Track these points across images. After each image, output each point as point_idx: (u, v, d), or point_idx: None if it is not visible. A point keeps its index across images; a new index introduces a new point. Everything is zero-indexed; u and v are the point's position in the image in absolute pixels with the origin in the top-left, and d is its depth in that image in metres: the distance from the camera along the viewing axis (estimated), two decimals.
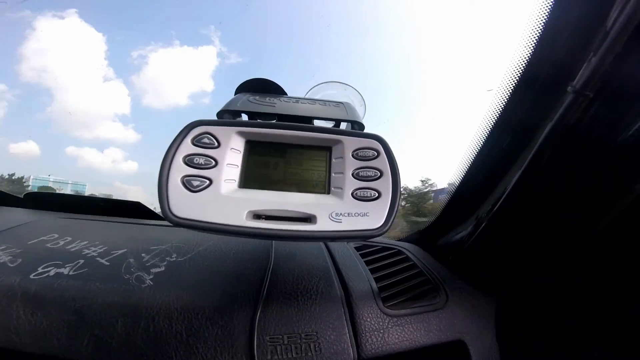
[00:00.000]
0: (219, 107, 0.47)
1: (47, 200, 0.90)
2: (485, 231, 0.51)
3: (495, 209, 0.47)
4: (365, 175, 0.41)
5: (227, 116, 0.47)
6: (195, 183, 0.39)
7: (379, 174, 0.41)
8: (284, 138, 0.43)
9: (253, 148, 0.43)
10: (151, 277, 0.50)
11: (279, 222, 0.39)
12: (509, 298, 0.59)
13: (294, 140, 0.43)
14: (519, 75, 0.44)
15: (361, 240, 0.68)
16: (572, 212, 0.44)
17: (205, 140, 0.40)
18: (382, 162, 0.41)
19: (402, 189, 0.41)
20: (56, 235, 0.64)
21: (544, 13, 0.40)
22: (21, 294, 0.46)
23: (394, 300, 0.53)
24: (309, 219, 0.39)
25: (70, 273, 0.50)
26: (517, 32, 0.43)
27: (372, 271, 0.59)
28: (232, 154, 0.41)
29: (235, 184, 0.41)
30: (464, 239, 0.57)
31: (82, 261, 0.54)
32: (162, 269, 0.53)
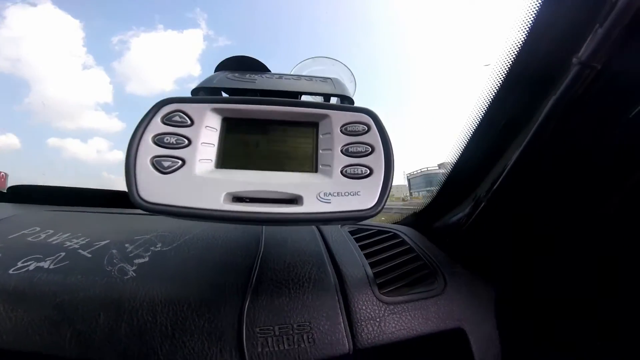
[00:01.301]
0: None
1: (31, 193, 0.88)
2: (483, 212, 0.49)
3: (494, 188, 0.45)
4: (355, 151, 0.38)
5: (203, 94, 0.43)
6: (166, 164, 0.35)
7: (370, 150, 0.38)
8: (265, 114, 0.40)
9: (231, 126, 0.40)
10: (134, 268, 0.48)
11: (261, 204, 0.35)
12: (509, 285, 0.57)
13: (276, 117, 0.40)
14: (519, 48, 0.41)
15: (353, 222, 0.65)
16: (577, 192, 0.42)
17: (177, 118, 0.37)
18: (373, 137, 0.39)
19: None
20: (38, 229, 0.61)
21: None
22: (0, 290, 0.43)
23: (390, 286, 0.51)
24: (294, 200, 0.36)
25: (51, 267, 0.48)
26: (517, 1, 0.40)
27: (367, 256, 0.57)
28: (207, 132, 0.38)
29: (212, 164, 0.38)
30: (461, 221, 0.55)
31: (63, 254, 0.51)
32: (146, 259, 0.50)
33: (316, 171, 0.39)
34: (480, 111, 0.47)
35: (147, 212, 0.35)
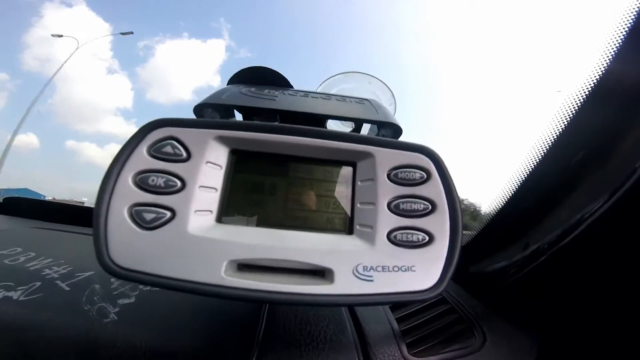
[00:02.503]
0: None
1: (26, 207, 0.82)
2: (544, 265, 0.39)
3: (566, 241, 0.35)
4: (408, 208, 0.29)
5: (209, 113, 0.34)
6: (150, 216, 0.27)
7: (430, 207, 0.29)
8: (286, 147, 0.30)
9: (241, 162, 0.31)
10: (117, 309, 0.40)
11: (275, 277, 0.27)
12: (554, 333, 0.48)
13: (300, 151, 0.31)
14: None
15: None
16: None
17: (169, 149, 0.28)
18: (435, 188, 0.29)
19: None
20: (19, 250, 0.54)
21: None
22: None
23: (421, 345, 0.42)
24: (322, 273, 0.27)
25: (21, 298, 0.41)
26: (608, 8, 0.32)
27: (393, 309, 0.48)
28: (208, 171, 0.29)
29: (212, 217, 0.29)
30: (508, 271, 0.46)
31: (38, 284, 0.44)
32: (132, 299, 0.42)
33: (351, 233, 0.30)
34: (546, 142, 0.38)
35: (117, 278, 0.26)
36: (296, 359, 0.36)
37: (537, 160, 0.40)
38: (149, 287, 0.45)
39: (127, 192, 0.27)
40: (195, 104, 0.34)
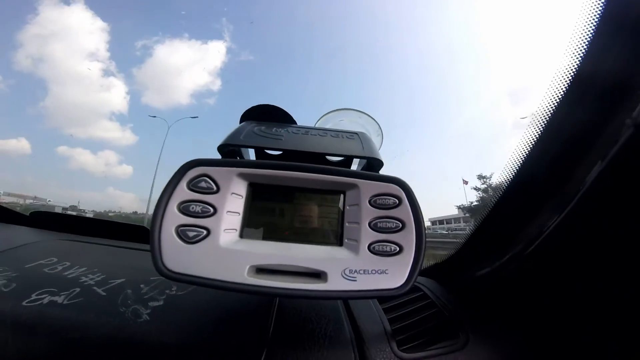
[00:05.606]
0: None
1: (52, 220, 0.89)
2: (518, 270, 0.46)
3: (530, 249, 0.42)
4: (384, 226, 0.38)
5: (230, 150, 0.44)
6: (192, 234, 0.36)
7: (400, 226, 0.38)
8: (291, 180, 0.39)
9: (257, 192, 0.40)
10: (148, 311, 0.47)
11: (284, 278, 0.36)
12: (535, 332, 0.53)
13: (302, 183, 0.40)
14: (559, 101, 0.39)
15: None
16: (623, 264, 0.38)
17: (203, 184, 0.38)
18: (404, 211, 0.38)
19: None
20: (55, 259, 0.61)
21: (596, 26, 0.35)
22: (12, 322, 0.43)
23: (410, 342, 0.48)
24: (318, 275, 0.36)
25: (65, 302, 0.47)
26: (561, 45, 0.38)
27: (386, 311, 0.55)
28: (232, 200, 0.38)
29: (236, 234, 0.38)
30: (489, 277, 0.52)
31: (78, 289, 0.51)
32: (161, 302, 0.49)
33: (341, 245, 0.39)
34: (511, 171, 0.46)
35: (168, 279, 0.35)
36: (300, 352, 0.43)
37: (507, 186, 0.47)
38: (174, 292, 0.52)
39: (175, 217, 0.36)
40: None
